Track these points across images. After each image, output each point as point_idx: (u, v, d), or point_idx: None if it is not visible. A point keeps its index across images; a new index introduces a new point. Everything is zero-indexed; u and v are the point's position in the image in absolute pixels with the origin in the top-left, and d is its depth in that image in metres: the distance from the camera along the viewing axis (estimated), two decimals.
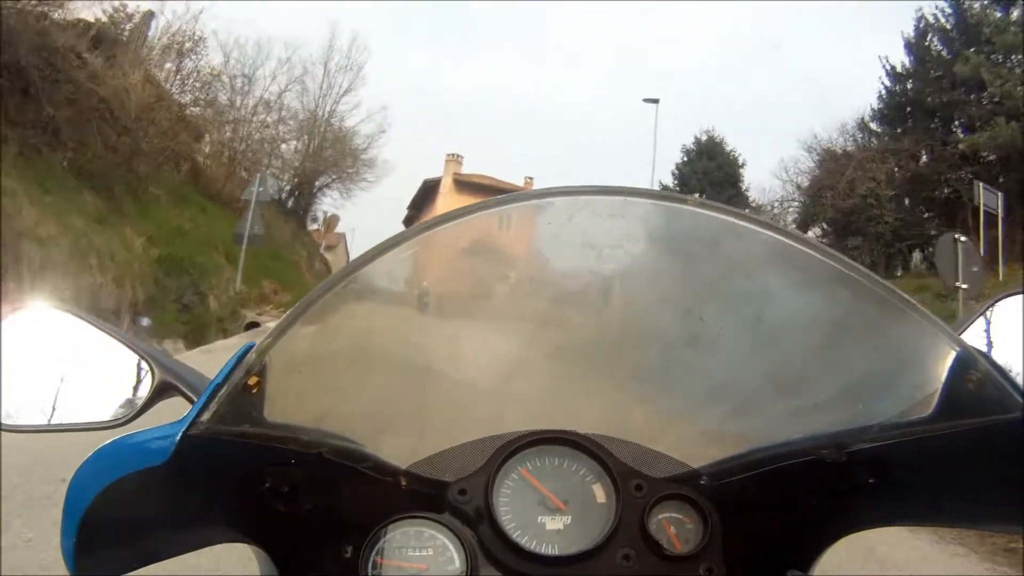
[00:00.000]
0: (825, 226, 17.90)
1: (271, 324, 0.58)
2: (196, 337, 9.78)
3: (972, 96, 15.24)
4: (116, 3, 13.33)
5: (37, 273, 7.24)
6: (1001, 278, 10.52)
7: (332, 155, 27.07)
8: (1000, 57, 14.70)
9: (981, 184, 11.84)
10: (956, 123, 16.12)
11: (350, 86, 27.39)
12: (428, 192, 31.17)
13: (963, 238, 7.69)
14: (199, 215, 14.66)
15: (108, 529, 0.45)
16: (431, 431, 0.70)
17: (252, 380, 0.48)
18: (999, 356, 0.50)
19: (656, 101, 20.94)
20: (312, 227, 29.22)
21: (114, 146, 10.59)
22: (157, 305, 9.83)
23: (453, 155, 31.07)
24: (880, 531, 0.64)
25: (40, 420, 0.63)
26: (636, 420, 0.73)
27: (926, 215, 16.73)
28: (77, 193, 9.38)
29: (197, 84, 17.82)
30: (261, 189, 13.57)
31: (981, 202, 11.46)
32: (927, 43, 16.99)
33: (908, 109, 17.46)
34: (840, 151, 18.56)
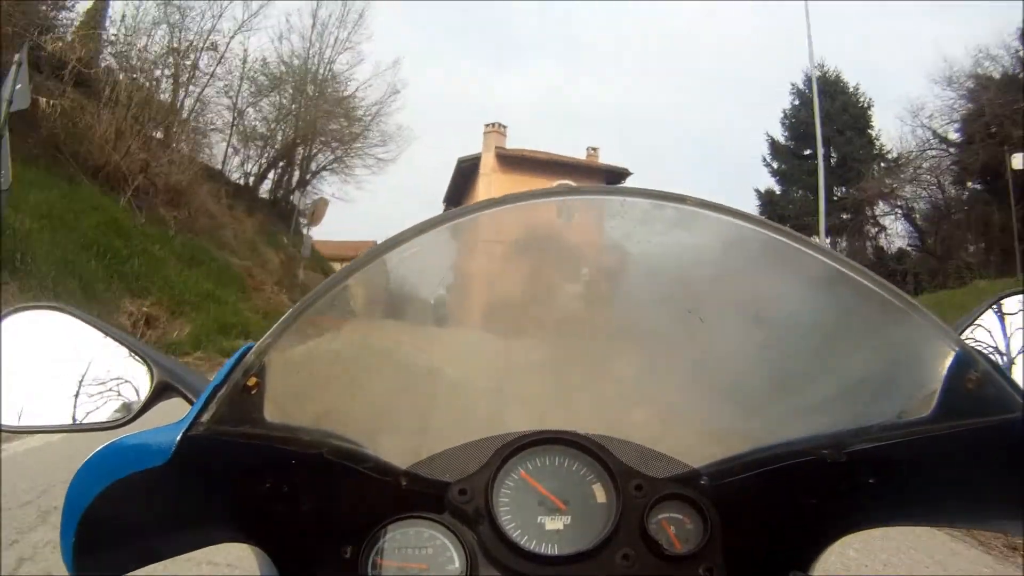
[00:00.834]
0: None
1: None
2: None
3: None
4: None
5: None
6: None
7: (325, 121, 20.91)
8: None
9: None
10: None
11: (349, 36, 20.98)
12: (466, 175, 25.36)
13: None
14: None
15: (108, 529, 0.45)
16: (431, 431, 0.70)
17: (252, 380, 0.48)
18: (999, 356, 0.50)
19: None
20: (311, 232, 22.15)
21: None
22: None
23: (493, 125, 24.21)
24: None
25: (40, 420, 0.63)
26: (636, 420, 0.73)
27: None
28: None
29: None
30: (19, 87, 6.53)
31: None
32: None
33: None
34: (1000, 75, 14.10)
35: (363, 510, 0.59)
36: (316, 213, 21.92)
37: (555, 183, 19.24)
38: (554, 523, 0.61)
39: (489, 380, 0.76)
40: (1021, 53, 14.88)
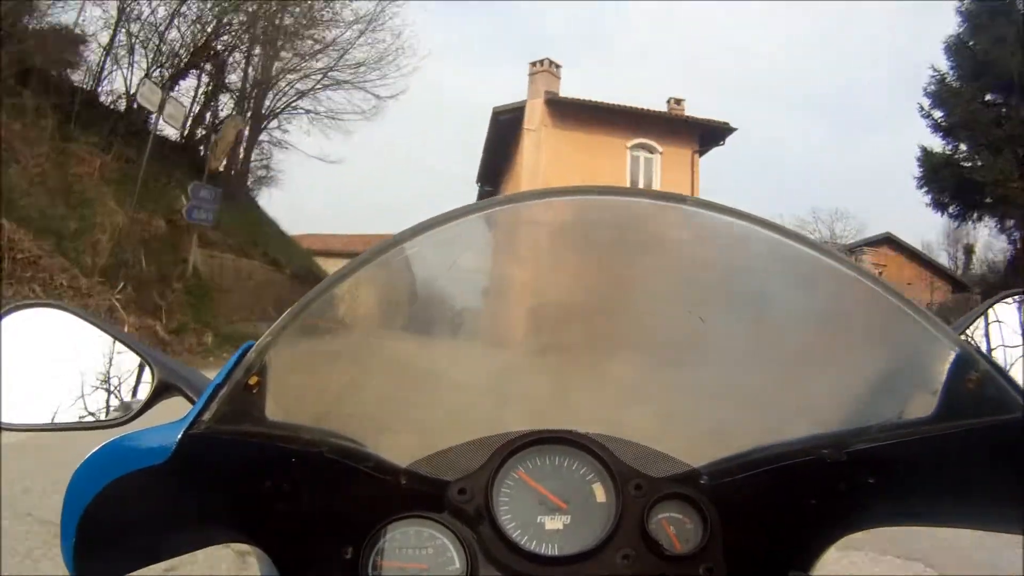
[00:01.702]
0: None
1: None
2: None
3: None
4: None
5: None
6: None
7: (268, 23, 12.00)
8: None
9: None
10: None
11: None
12: (504, 133, 17.72)
13: None
14: None
15: (108, 529, 0.45)
16: (432, 430, 0.70)
17: (253, 379, 0.48)
18: (999, 356, 0.50)
19: None
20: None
21: None
22: None
23: (541, 63, 16.65)
24: None
25: (40, 419, 0.63)
26: (636, 420, 0.73)
27: None
28: None
29: None
30: None
31: None
32: None
33: None
34: None
35: (363, 509, 0.59)
36: (223, 141, 13.06)
37: (631, 143, 16.75)
38: (554, 523, 0.61)
39: (489, 380, 0.76)
40: None
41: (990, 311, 0.64)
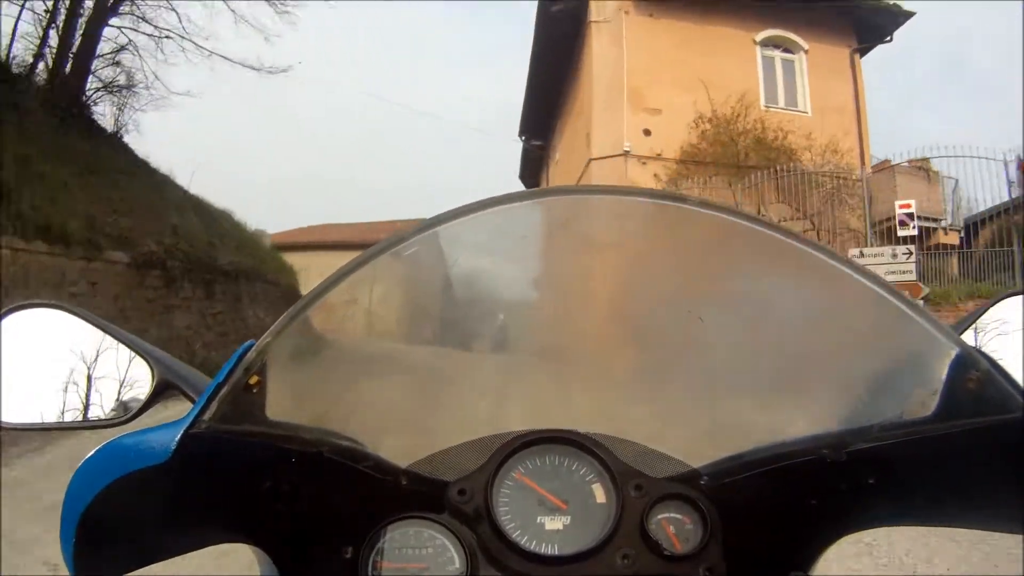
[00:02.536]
0: None
1: None
2: None
3: None
4: None
5: None
6: None
7: None
8: None
9: None
10: None
11: None
12: (559, 37, 11.98)
13: None
14: None
15: (108, 529, 0.45)
16: (431, 430, 0.70)
17: (253, 379, 0.48)
18: (999, 356, 0.50)
19: None
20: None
21: None
22: None
23: None
24: None
25: (40, 419, 0.63)
26: (636, 420, 0.73)
27: None
28: None
29: None
30: None
31: None
32: None
33: None
34: None
35: (363, 509, 0.59)
36: None
37: (760, 36, 11.02)
38: (554, 523, 0.61)
39: (489, 380, 0.76)
40: None
41: (990, 311, 0.64)
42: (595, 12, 10.99)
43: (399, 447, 0.65)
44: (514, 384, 0.77)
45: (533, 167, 19.63)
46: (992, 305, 0.64)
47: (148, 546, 0.49)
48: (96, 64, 10.83)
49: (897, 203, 8.70)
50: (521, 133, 17.05)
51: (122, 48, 11.18)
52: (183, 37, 11.62)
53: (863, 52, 11.87)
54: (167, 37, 11.53)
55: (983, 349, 0.51)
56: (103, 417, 0.63)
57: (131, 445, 0.45)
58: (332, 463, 0.57)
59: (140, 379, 0.63)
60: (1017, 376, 0.49)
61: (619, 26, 10.94)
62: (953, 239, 9.72)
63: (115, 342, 0.64)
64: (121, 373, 0.63)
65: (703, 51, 10.77)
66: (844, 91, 11.51)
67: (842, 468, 0.58)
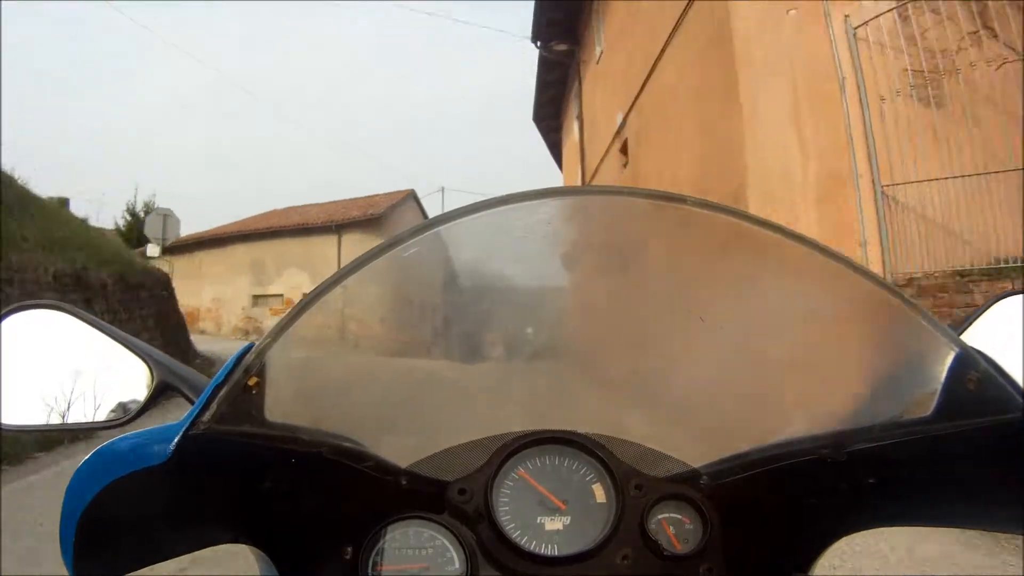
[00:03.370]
0: None
1: None
2: None
3: None
4: None
5: None
6: None
7: None
8: None
9: None
10: None
11: None
12: None
13: None
14: None
15: (107, 529, 0.45)
16: (431, 431, 0.70)
17: (252, 380, 0.48)
18: (999, 356, 0.50)
19: None
20: None
21: None
22: None
23: None
24: None
25: (40, 420, 0.63)
26: (636, 420, 0.73)
27: None
28: None
29: None
30: None
31: None
32: None
33: None
34: None
35: (363, 509, 0.59)
36: None
37: None
38: (554, 523, 0.61)
39: (489, 380, 0.76)
40: None
41: (990, 311, 0.64)
42: None
43: (399, 447, 0.65)
44: (514, 384, 0.77)
45: (554, 88, 12.47)
46: (991, 305, 0.64)
47: (147, 547, 0.49)
48: None
49: None
50: (535, 37, 10.85)
51: None
52: None
53: None
54: None
55: (983, 349, 0.51)
56: (103, 418, 0.63)
57: (130, 446, 0.45)
58: (332, 463, 0.57)
59: (139, 380, 0.63)
60: (1017, 376, 0.49)
61: None
62: None
63: (115, 343, 0.64)
64: (120, 374, 0.63)
65: None
66: None
67: (842, 468, 0.58)
